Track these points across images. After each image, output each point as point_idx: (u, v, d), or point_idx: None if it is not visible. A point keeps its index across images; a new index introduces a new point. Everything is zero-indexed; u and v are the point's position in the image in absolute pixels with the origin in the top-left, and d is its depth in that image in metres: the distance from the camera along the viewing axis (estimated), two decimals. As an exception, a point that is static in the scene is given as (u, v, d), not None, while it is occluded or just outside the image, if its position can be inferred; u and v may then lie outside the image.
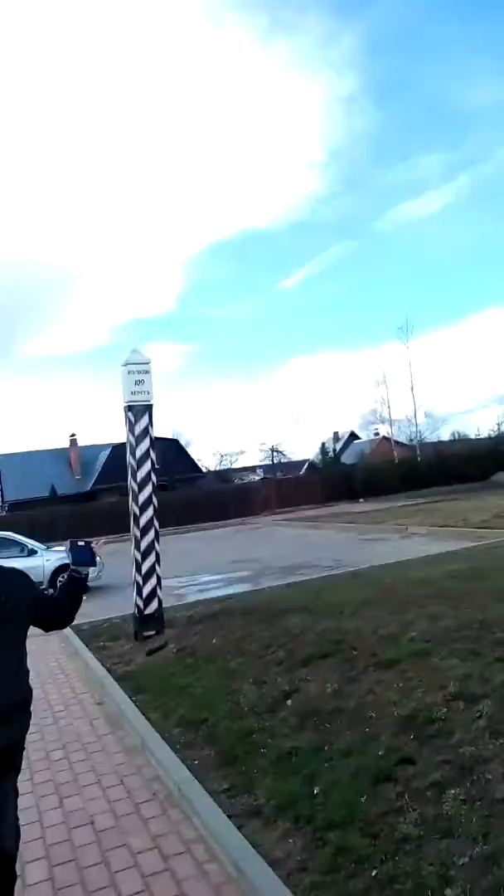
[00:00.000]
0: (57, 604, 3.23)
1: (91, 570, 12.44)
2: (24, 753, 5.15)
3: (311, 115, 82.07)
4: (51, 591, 11.36)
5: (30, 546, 14.72)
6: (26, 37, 67.95)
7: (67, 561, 11.27)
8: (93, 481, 43.33)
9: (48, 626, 3.21)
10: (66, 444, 48.10)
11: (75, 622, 10.63)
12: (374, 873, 2.87)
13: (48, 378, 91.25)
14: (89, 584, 14.40)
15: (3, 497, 44.73)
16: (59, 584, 3.26)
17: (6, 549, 14.64)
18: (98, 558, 14.87)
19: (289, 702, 4.90)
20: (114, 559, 12.83)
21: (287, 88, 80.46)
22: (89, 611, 12.08)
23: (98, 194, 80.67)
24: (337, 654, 5.38)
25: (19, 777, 4.77)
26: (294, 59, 79.41)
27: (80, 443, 48.01)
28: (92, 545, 3.33)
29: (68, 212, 79.09)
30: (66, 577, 3.34)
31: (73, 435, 47.89)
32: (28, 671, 3.01)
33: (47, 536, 27.00)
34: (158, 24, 72.42)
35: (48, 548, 15.15)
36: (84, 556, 3.30)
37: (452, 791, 3.31)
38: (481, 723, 3.89)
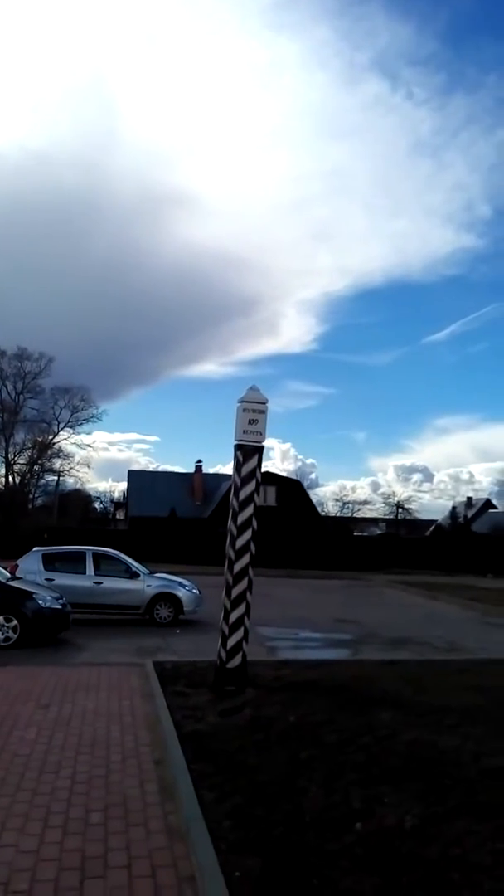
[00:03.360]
0: None
1: (189, 603, 12.14)
2: (64, 808, 4.86)
3: (481, 171, 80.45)
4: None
5: (134, 568, 14.70)
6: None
7: (169, 589, 11.03)
8: (212, 509, 43.74)
9: None
10: (192, 470, 49.22)
11: (163, 658, 10.39)
12: None
13: (185, 402, 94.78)
14: (185, 616, 14.04)
15: (127, 512, 46.41)
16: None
17: (111, 567, 14.75)
18: (196, 591, 14.71)
19: (358, 825, 4.11)
20: (221, 593, 12.48)
21: (460, 144, 79.57)
22: (181, 647, 11.78)
23: (255, 222, 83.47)
24: (426, 779, 4.49)
25: (46, 838, 4.38)
26: (470, 115, 78.58)
27: (207, 470, 48.98)
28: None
29: (234, 249, 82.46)
30: None
31: (199, 461, 49.09)
32: None
33: (162, 558, 27.46)
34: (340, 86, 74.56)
35: (151, 573, 15.05)
36: None
37: None
38: None
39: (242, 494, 8.00)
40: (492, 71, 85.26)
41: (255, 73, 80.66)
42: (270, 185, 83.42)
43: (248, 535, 7.97)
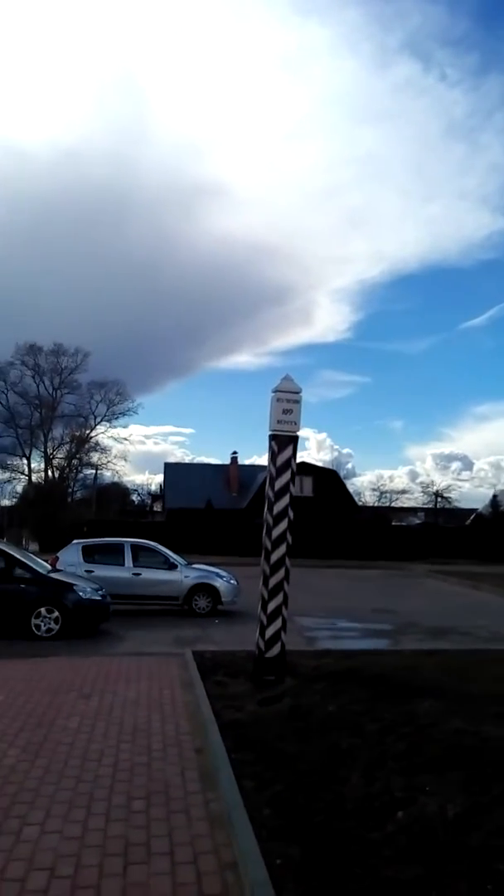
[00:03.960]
0: None
1: (227, 593, 12.13)
2: (107, 795, 4.93)
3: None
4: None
5: (172, 559, 14.83)
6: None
7: (207, 580, 11.08)
8: (248, 500, 43.84)
9: None
10: (228, 461, 49.35)
11: (202, 647, 10.51)
12: None
13: (219, 394, 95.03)
14: (223, 606, 14.08)
15: (164, 504, 46.83)
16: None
17: (150, 559, 14.91)
18: (234, 581, 14.77)
19: (399, 814, 4.07)
20: (258, 583, 12.52)
21: (495, 125, 77.64)
22: (220, 637, 11.85)
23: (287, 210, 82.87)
24: (469, 768, 4.43)
25: (90, 825, 4.46)
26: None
27: (242, 461, 49.06)
28: None
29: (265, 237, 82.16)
30: None
31: (234, 453, 49.20)
32: None
33: (199, 549, 27.67)
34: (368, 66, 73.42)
35: (189, 564, 15.16)
36: None
37: None
38: None
39: (278, 485, 7.98)
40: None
41: (284, 59, 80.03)
42: (302, 173, 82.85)
43: (284, 525, 7.95)
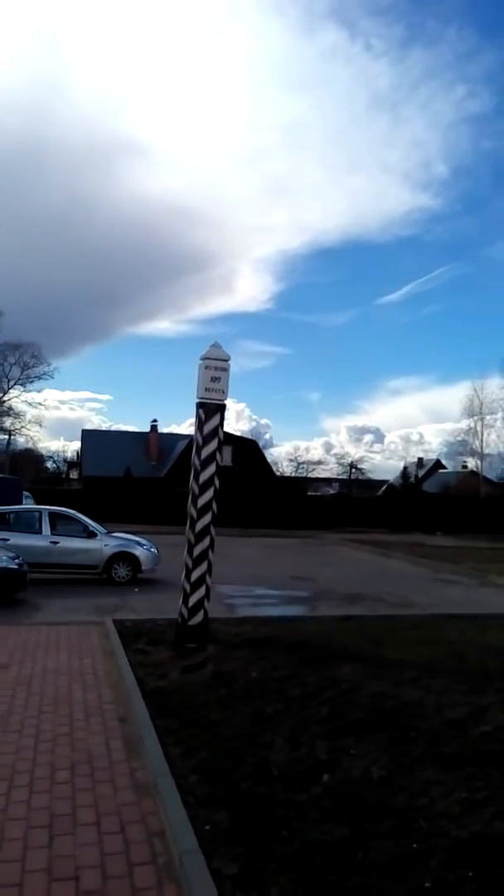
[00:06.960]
0: None
1: (147, 562, 11.95)
2: (29, 767, 4.82)
3: (439, 129, 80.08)
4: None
5: (91, 527, 14.53)
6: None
7: (127, 549, 10.86)
8: (167, 469, 43.61)
9: None
10: (147, 429, 48.81)
11: (120, 616, 10.38)
12: None
13: (138, 361, 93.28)
14: (143, 575, 14.01)
15: (80, 472, 45.82)
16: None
17: (68, 527, 14.56)
18: (154, 550, 14.65)
19: (325, 776, 4.18)
20: (178, 552, 12.43)
21: (418, 99, 78.81)
22: (140, 605, 11.77)
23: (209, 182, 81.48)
24: (391, 731, 4.60)
25: (13, 797, 4.35)
26: (428, 70, 77.73)
27: (161, 430, 48.60)
28: None
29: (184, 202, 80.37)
30: None
31: (154, 421, 48.68)
32: None
33: (118, 518, 27.28)
34: (290, 27, 72.48)
35: (108, 532, 14.92)
36: None
37: None
38: None
39: (204, 453, 7.92)
40: (452, 23, 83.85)
41: (211, 17, 77.62)
42: (226, 137, 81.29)
43: (210, 493, 7.92)
